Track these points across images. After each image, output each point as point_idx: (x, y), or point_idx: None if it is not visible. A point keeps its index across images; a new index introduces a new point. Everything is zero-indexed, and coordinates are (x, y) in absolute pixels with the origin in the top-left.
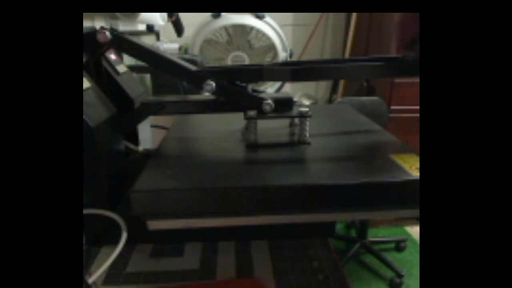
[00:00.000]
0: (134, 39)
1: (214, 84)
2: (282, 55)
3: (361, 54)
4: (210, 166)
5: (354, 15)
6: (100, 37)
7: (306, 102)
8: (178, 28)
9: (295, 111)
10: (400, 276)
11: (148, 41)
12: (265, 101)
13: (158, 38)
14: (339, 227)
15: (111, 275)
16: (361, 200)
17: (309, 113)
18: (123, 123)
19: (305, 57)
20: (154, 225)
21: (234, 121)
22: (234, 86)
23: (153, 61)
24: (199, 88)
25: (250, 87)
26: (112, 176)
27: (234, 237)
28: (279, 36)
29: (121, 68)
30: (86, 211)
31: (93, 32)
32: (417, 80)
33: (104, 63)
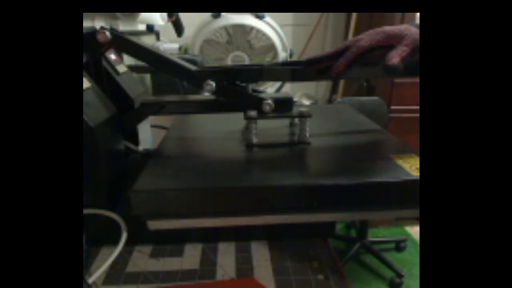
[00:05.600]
0: (134, 39)
1: (214, 84)
2: (282, 55)
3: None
4: (210, 166)
5: (354, 15)
6: (100, 37)
7: (306, 102)
8: (178, 28)
9: (295, 111)
10: (400, 276)
11: (148, 41)
12: (265, 101)
13: (158, 38)
14: (339, 227)
15: (111, 275)
16: (361, 200)
17: (309, 113)
18: (123, 123)
19: (305, 57)
20: (154, 225)
21: (234, 121)
22: (234, 86)
23: (153, 61)
24: (199, 88)
25: (250, 87)
26: (112, 176)
27: (234, 237)
28: (279, 36)
29: (121, 68)
30: (86, 211)
31: (93, 32)
32: (417, 80)
33: (104, 63)
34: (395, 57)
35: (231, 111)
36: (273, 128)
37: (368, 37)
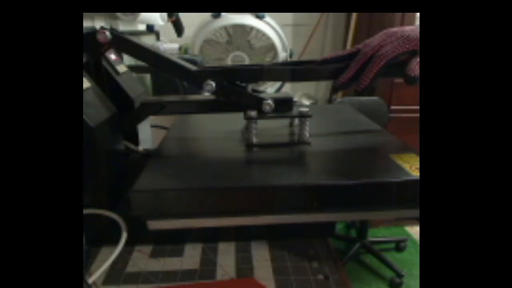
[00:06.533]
0: (134, 39)
1: (214, 84)
2: (282, 55)
3: None
4: (210, 166)
5: (354, 15)
6: (100, 37)
7: (306, 102)
8: (178, 28)
9: (295, 111)
10: (400, 276)
11: (148, 41)
12: (265, 101)
13: (158, 38)
14: (339, 227)
15: (111, 275)
16: (361, 200)
17: (309, 113)
18: (123, 123)
19: (305, 57)
20: (154, 225)
21: (234, 121)
22: (234, 86)
23: (153, 61)
24: (199, 88)
25: (250, 87)
26: (112, 176)
27: (234, 237)
28: (279, 36)
29: (121, 68)
30: (86, 211)
31: (93, 32)
32: None
33: (104, 63)
34: (416, 68)
35: (231, 111)
36: (273, 128)
37: (390, 44)
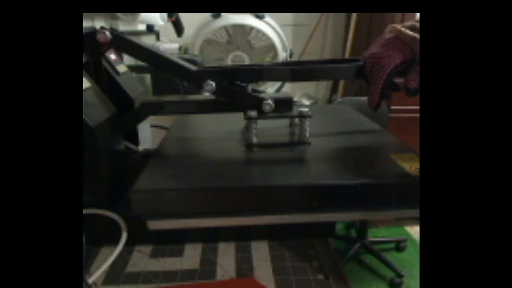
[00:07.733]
0: (134, 39)
1: (214, 84)
2: (282, 55)
3: (361, 54)
4: (210, 166)
5: (354, 15)
6: (100, 37)
7: (306, 102)
8: (178, 28)
9: (295, 111)
10: (400, 276)
11: (148, 41)
12: (265, 101)
13: (158, 38)
14: (339, 227)
15: (111, 275)
16: (361, 200)
17: (309, 113)
18: (123, 123)
19: (305, 57)
20: (154, 225)
21: (234, 121)
22: (234, 86)
23: (153, 61)
24: (199, 88)
25: (250, 87)
26: (112, 176)
27: (234, 237)
28: (279, 36)
29: (121, 68)
30: (86, 211)
31: (93, 32)
32: None
33: (104, 63)
34: (416, 80)
35: (231, 111)
36: (273, 128)
37: (392, 55)
